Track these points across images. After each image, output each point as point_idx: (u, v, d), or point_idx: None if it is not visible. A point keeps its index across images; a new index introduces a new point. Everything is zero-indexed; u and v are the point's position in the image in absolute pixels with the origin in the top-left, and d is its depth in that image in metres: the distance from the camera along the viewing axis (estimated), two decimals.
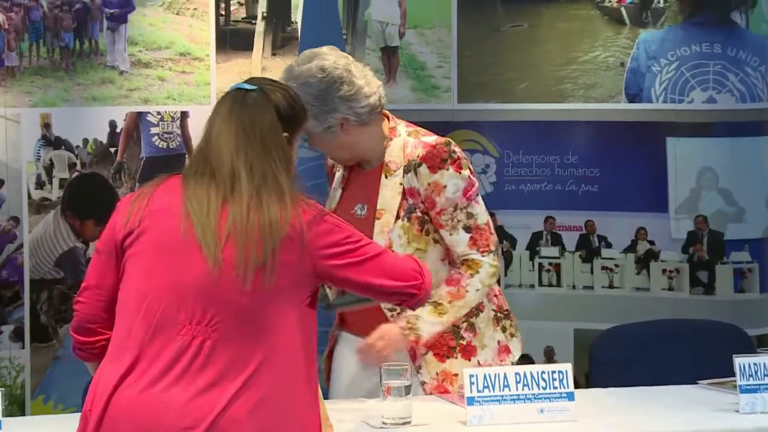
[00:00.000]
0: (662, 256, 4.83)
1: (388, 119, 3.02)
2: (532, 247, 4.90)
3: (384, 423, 2.62)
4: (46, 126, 4.57)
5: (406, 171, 2.93)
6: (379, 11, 4.88)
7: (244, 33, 4.76)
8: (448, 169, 2.90)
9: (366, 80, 2.93)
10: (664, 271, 4.83)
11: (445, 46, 4.89)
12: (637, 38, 4.87)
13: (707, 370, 3.08)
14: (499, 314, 3.06)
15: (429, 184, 2.90)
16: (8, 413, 2.59)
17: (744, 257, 4.82)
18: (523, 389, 2.64)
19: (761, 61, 4.82)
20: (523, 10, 4.92)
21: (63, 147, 4.60)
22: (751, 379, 2.73)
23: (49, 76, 4.57)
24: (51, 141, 4.58)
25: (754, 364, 2.74)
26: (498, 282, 3.09)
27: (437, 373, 2.95)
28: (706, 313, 4.58)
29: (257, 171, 2.25)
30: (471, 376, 2.63)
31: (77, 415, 2.28)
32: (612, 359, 3.60)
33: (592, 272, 4.88)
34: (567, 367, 2.69)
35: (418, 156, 2.91)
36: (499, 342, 3.03)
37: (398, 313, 2.91)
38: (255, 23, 4.77)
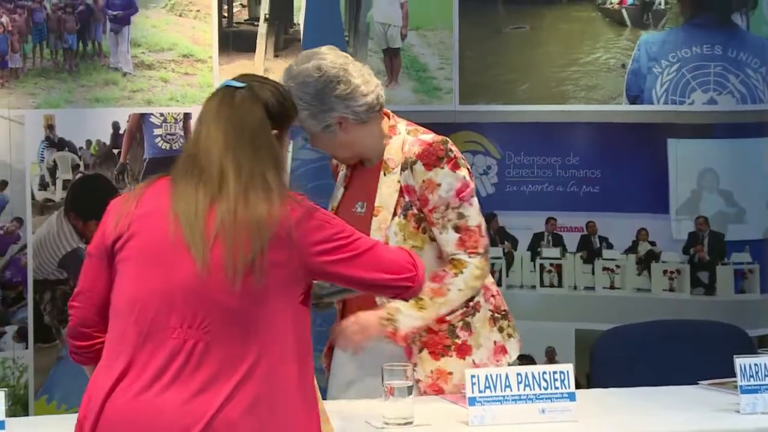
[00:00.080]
0: (663, 257, 4.84)
1: (389, 118, 3.03)
2: (534, 247, 4.91)
3: (386, 423, 2.62)
4: (50, 127, 4.58)
5: (403, 168, 2.93)
6: (381, 13, 4.89)
7: (247, 35, 4.77)
8: (443, 168, 2.90)
9: (363, 79, 2.93)
10: (665, 271, 4.84)
11: (446, 48, 4.90)
12: (638, 40, 4.88)
13: (708, 371, 3.08)
14: (496, 314, 3.05)
15: (424, 181, 2.90)
16: (12, 413, 2.60)
17: (745, 258, 4.82)
18: (524, 389, 2.65)
19: (762, 62, 4.83)
20: (524, 11, 4.93)
21: (66, 148, 4.60)
22: (751, 379, 2.73)
23: (52, 77, 4.58)
24: (54, 142, 4.59)
25: (755, 364, 2.74)
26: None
27: (432, 371, 2.95)
28: (707, 313, 4.59)
29: (245, 170, 2.23)
30: (473, 376, 2.63)
31: None
32: (613, 360, 3.60)
33: (593, 273, 4.89)
34: (568, 368, 2.69)
35: (414, 153, 2.91)
36: (495, 342, 3.03)
37: None
38: (257, 25, 4.78)
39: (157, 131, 4.68)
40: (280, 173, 2.29)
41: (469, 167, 2.97)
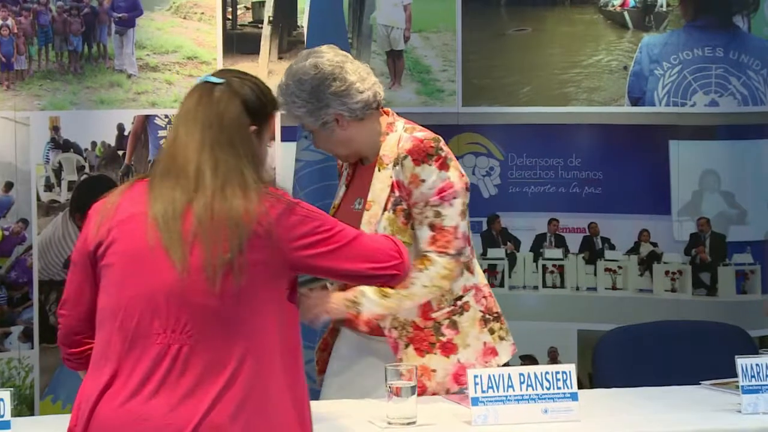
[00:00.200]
0: (665, 257, 4.85)
1: (388, 115, 3.03)
2: (536, 248, 4.93)
3: (389, 423, 2.62)
4: (55, 129, 4.59)
5: (395, 164, 2.93)
6: (384, 15, 4.90)
7: (251, 37, 4.78)
8: (430, 165, 2.89)
9: (359, 76, 2.93)
10: (666, 272, 4.85)
11: (449, 50, 4.91)
12: (639, 42, 4.89)
13: (710, 371, 3.09)
14: (487, 316, 3.03)
15: (411, 175, 2.90)
16: (17, 413, 2.60)
17: (746, 259, 4.84)
18: (527, 389, 2.65)
19: (763, 64, 4.84)
20: (527, 14, 4.94)
21: (71, 150, 4.61)
22: (753, 379, 2.74)
23: (57, 79, 4.59)
24: (60, 144, 4.60)
25: (756, 364, 2.75)
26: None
27: (416, 368, 2.96)
28: (709, 314, 4.60)
29: (222, 166, 2.20)
30: (475, 376, 2.64)
31: None
32: (615, 360, 3.61)
33: (595, 274, 4.90)
34: (570, 368, 2.70)
35: (405, 149, 2.91)
36: (485, 343, 3.01)
37: None
38: (261, 27, 4.79)
39: (161, 133, 4.68)
40: (259, 169, 2.26)
41: (461, 170, 2.95)
